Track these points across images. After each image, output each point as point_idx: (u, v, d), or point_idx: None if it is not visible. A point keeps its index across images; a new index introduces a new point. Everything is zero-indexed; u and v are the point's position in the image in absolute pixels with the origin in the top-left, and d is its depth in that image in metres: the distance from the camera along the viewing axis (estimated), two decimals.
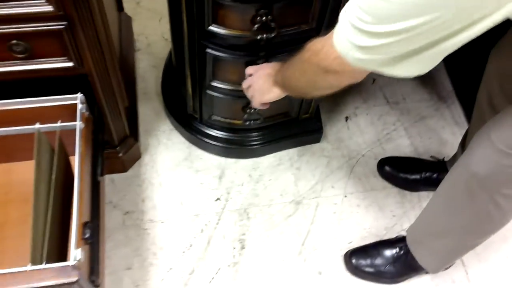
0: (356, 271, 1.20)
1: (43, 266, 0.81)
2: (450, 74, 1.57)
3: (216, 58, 1.06)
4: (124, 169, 1.33)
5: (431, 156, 1.37)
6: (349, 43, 0.64)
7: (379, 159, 1.39)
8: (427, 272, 1.19)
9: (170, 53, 1.46)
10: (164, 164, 1.36)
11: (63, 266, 0.81)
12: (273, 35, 0.97)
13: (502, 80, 0.98)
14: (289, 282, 1.20)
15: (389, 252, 1.19)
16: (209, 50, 1.05)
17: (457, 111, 1.51)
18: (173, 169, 1.36)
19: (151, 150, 1.38)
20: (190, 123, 1.35)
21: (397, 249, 1.18)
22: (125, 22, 1.49)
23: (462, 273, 1.23)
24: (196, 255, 1.23)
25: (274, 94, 0.97)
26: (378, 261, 1.19)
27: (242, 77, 1.05)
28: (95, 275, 0.93)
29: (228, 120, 1.28)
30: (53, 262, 0.82)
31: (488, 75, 1.04)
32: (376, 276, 1.19)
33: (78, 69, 0.97)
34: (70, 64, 0.95)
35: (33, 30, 0.87)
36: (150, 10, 1.68)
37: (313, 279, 1.21)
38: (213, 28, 0.99)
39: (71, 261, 0.81)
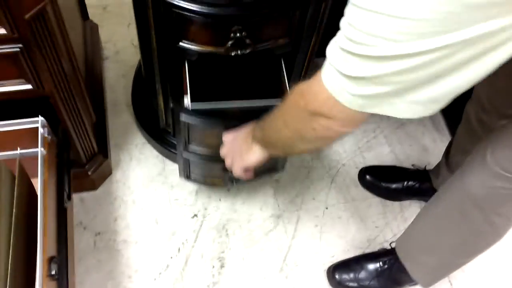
0: (339, 286, 1.17)
1: None
2: None
3: (190, 125, 0.97)
4: (94, 187, 1.26)
5: (413, 165, 1.35)
6: (341, 76, 0.52)
7: (360, 168, 1.35)
8: (411, 285, 1.16)
9: (140, 61, 1.39)
10: (137, 180, 1.30)
11: None
12: (248, 51, 0.91)
13: (491, 95, 0.95)
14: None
15: (372, 266, 1.16)
16: (182, 118, 0.95)
17: (437, 117, 1.48)
18: (147, 185, 1.29)
19: (123, 165, 1.32)
20: (163, 137, 1.29)
21: (381, 263, 1.15)
22: (91, 30, 1.41)
23: (447, 285, 1.22)
24: (173, 276, 1.18)
25: (255, 155, 0.83)
26: (362, 275, 1.16)
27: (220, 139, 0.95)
28: None
29: (208, 180, 1.17)
30: None
31: (476, 90, 1.00)
32: None
33: (38, 91, 0.90)
34: (29, 86, 0.88)
35: None
36: (118, 15, 1.59)
37: None
38: (184, 44, 0.93)
39: None
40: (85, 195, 1.26)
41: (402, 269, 1.12)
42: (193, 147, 1.03)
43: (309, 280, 1.20)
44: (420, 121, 1.47)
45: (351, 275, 1.17)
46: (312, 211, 1.29)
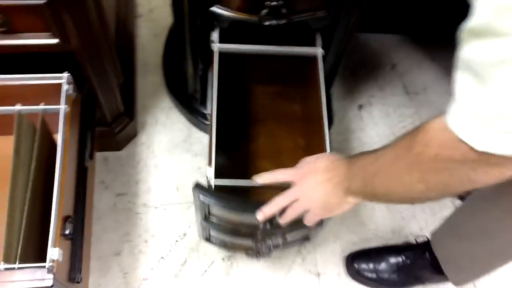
0: (356, 275, 1.13)
1: (15, 266, 0.75)
2: None
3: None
4: (118, 148, 1.26)
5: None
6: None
7: None
8: (432, 283, 1.12)
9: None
10: (161, 145, 1.28)
11: (37, 268, 0.75)
12: (283, 21, 0.86)
13: None
14: (286, 282, 1.14)
15: (394, 259, 1.11)
16: (200, 199, 0.81)
17: None
18: (171, 151, 1.27)
19: (148, 128, 1.30)
20: (190, 103, 1.26)
21: (403, 257, 1.10)
22: None
23: (470, 285, 1.16)
24: (189, 245, 1.16)
25: (349, 205, 0.72)
26: (382, 267, 1.12)
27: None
28: (76, 271, 0.87)
29: (230, 246, 1.05)
30: (28, 262, 0.76)
31: None
32: (377, 282, 1.12)
33: (64, 46, 0.87)
34: (55, 41, 0.86)
35: (12, 4, 0.77)
36: None
37: (311, 280, 1.15)
38: (217, 9, 0.88)
39: (46, 263, 0.75)
40: (109, 154, 1.25)
41: (426, 266, 1.07)
42: (213, 219, 0.92)
43: (326, 265, 1.16)
44: None
45: (371, 266, 1.13)
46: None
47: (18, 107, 0.88)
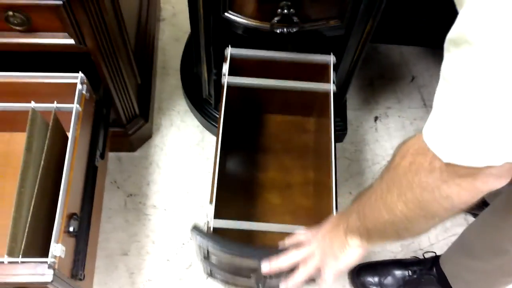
0: None
1: (18, 259, 0.76)
2: None
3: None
4: (132, 149, 1.27)
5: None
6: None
7: None
8: None
9: None
10: (174, 147, 1.29)
11: (38, 263, 0.76)
12: (295, 30, 0.86)
13: None
14: None
15: (400, 274, 1.09)
16: (197, 242, 0.80)
17: None
18: (184, 153, 1.28)
19: (163, 130, 1.31)
20: (204, 107, 1.27)
21: (410, 272, 1.08)
22: None
23: None
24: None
25: (353, 251, 0.67)
26: (387, 281, 1.10)
27: None
28: (79, 268, 0.88)
29: (233, 284, 1.04)
30: (33, 256, 0.78)
31: None
32: None
33: (80, 47, 0.89)
34: (71, 41, 0.88)
35: (30, 3, 0.80)
36: None
37: None
38: (229, 15, 0.88)
39: (48, 258, 0.77)
40: (123, 155, 1.27)
41: (432, 282, 1.04)
42: (213, 259, 0.89)
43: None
44: None
45: (376, 279, 1.11)
46: (346, 206, 1.23)
47: (32, 104, 0.90)
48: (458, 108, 0.43)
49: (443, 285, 1.03)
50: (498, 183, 0.48)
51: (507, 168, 0.45)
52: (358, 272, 1.12)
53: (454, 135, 0.44)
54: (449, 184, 0.49)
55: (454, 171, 0.47)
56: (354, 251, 0.67)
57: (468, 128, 0.43)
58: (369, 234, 0.64)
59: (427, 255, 1.09)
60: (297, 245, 0.75)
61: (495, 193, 1.03)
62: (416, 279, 1.07)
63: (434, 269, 1.05)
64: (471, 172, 0.46)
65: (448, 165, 0.47)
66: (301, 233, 0.77)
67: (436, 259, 1.07)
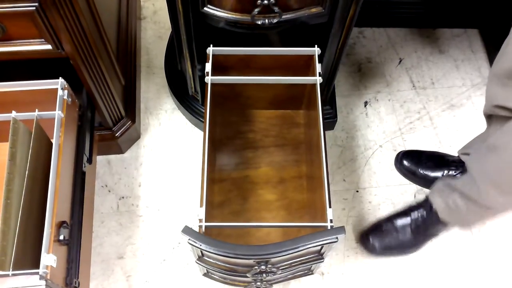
0: (374, 250, 1.14)
1: (9, 272, 0.75)
2: (491, 57, 1.39)
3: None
4: (121, 151, 1.26)
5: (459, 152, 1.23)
6: None
7: (398, 151, 1.26)
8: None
9: None
10: (164, 147, 1.28)
11: (30, 275, 0.75)
12: (275, 20, 0.84)
13: None
14: (293, 282, 1.13)
15: (404, 222, 1.13)
16: (190, 242, 0.79)
17: None
18: (174, 152, 1.27)
19: (151, 130, 1.30)
20: (191, 104, 1.25)
21: (412, 218, 1.12)
22: None
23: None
24: (191, 247, 1.16)
25: None
26: (398, 235, 1.13)
27: None
28: (73, 276, 0.87)
29: (229, 282, 1.02)
30: (25, 268, 0.76)
31: None
32: (395, 249, 1.14)
33: (58, 52, 0.87)
34: (48, 47, 0.86)
35: (3, 11, 0.78)
36: None
37: (315, 280, 1.13)
38: (209, 9, 0.86)
39: (40, 269, 0.75)
40: (112, 157, 1.26)
41: (437, 220, 1.08)
42: (207, 259, 0.88)
43: (330, 264, 1.14)
44: (472, 104, 1.34)
45: (386, 239, 1.14)
46: (340, 193, 1.23)
47: (13, 114, 0.88)
48: None
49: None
50: None
51: None
52: (367, 236, 1.14)
53: None
54: None
55: None
56: None
57: None
58: None
59: (421, 198, 1.14)
60: None
61: None
62: (422, 223, 1.10)
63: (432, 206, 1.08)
64: None
65: None
66: None
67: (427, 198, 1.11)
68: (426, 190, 1.19)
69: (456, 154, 1.22)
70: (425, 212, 1.10)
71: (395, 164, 1.25)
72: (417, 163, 1.22)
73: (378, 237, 1.13)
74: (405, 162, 1.23)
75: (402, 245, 1.13)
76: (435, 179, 1.20)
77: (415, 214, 1.11)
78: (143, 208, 1.20)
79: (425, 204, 1.11)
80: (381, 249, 1.13)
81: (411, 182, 1.24)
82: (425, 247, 1.15)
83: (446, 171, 1.19)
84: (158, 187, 1.22)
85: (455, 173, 1.18)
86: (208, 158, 0.87)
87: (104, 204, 1.20)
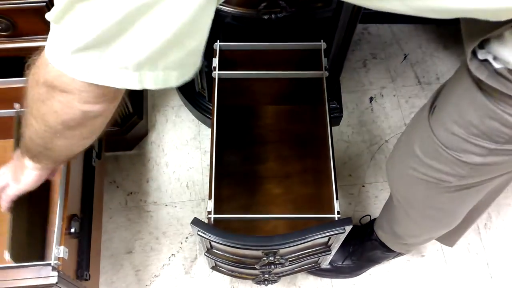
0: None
1: (21, 264, 0.76)
2: None
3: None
4: (129, 147, 1.27)
5: None
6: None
7: None
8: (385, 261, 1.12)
9: None
10: (171, 143, 1.29)
11: (42, 266, 0.76)
12: (282, 14, 0.85)
13: None
14: (299, 282, 1.13)
15: (344, 246, 1.07)
16: (199, 233, 0.80)
17: None
18: (181, 148, 1.28)
19: (159, 127, 1.31)
20: (198, 101, 1.26)
21: (352, 241, 1.10)
22: None
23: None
24: (199, 242, 1.17)
25: (30, 172, 0.69)
26: (335, 257, 1.10)
27: None
28: (84, 269, 0.88)
29: (237, 274, 1.03)
30: (35, 259, 0.78)
31: None
32: (333, 272, 1.13)
33: None
34: None
35: (13, 7, 0.79)
36: None
37: (324, 282, 1.14)
38: None
39: (52, 260, 0.77)
40: (120, 154, 1.27)
41: (376, 246, 1.06)
42: (216, 252, 0.89)
43: None
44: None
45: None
46: (346, 188, 1.23)
47: (17, 109, 0.90)
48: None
49: (385, 247, 1.04)
50: (92, 107, 0.50)
51: (96, 93, 0.48)
52: None
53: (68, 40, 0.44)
54: (55, 99, 0.50)
55: (54, 86, 0.49)
56: (31, 173, 0.69)
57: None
58: (30, 153, 0.65)
59: (364, 221, 1.12)
60: None
61: None
62: (360, 247, 1.09)
63: (374, 233, 1.06)
64: (67, 88, 0.48)
65: (48, 80, 0.49)
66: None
67: (373, 222, 1.08)
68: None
69: None
70: (365, 237, 1.08)
71: None
72: None
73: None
74: None
75: (338, 269, 1.12)
76: None
77: (354, 238, 1.09)
78: (151, 204, 1.21)
79: (365, 228, 1.10)
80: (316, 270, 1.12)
81: None
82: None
83: None
84: (165, 183, 1.24)
85: None
86: (216, 153, 0.88)
87: (112, 200, 1.21)
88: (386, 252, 1.05)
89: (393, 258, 1.11)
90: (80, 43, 0.43)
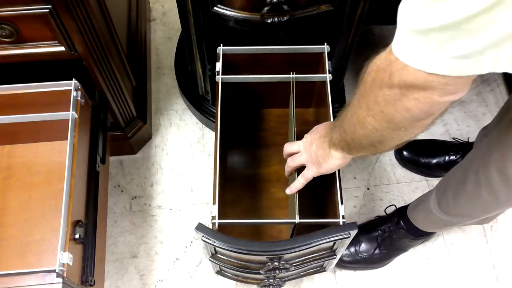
0: (340, 263, 1.12)
1: (25, 270, 0.77)
2: None
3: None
4: (133, 151, 1.27)
5: (454, 138, 1.24)
6: (424, 33, 0.47)
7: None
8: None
9: None
10: (175, 147, 1.29)
11: (47, 273, 0.76)
12: (285, 18, 0.85)
13: None
14: (303, 279, 1.13)
15: (372, 236, 1.12)
16: (203, 239, 0.80)
17: (503, 96, 1.34)
18: (185, 152, 1.28)
19: (162, 130, 1.31)
20: (202, 104, 1.26)
21: (380, 232, 1.11)
22: None
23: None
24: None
25: (334, 161, 0.75)
26: (362, 248, 1.12)
27: None
28: (88, 274, 0.88)
29: (242, 279, 1.02)
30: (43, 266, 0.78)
31: None
32: (362, 263, 1.13)
33: (71, 54, 0.89)
34: (61, 48, 0.87)
35: (17, 13, 0.79)
36: None
37: (328, 277, 1.13)
38: (219, 9, 0.87)
39: (56, 267, 0.77)
40: (125, 158, 1.27)
41: (403, 235, 1.08)
42: (221, 257, 0.88)
43: None
44: (482, 99, 1.34)
45: (351, 250, 1.12)
46: (351, 191, 1.23)
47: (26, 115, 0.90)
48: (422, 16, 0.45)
49: (413, 234, 1.06)
50: (453, 97, 0.51)
51: (462, 82, 0.49)
52: None
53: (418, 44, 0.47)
54: (408, 97, 0.51)
55: (411, 85, 0.50)
56: (335, 161, 0.76)
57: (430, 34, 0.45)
58: (349, 147, 0.70)
59: (389, 211, 1.13)
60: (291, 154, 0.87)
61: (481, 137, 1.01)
62: (388, 237, 1.09)
63: (401, 222, 1.07)
64: (429, 86, 0.49)
65: (407, 81, 0.50)
66: (289, 144, 0.88)
67: (399, 211, 1.09)
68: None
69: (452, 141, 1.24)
70: (391, 226, 1.09)
71: (395, 156, 1.25)
72: (417, 152, 1.22)
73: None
74: (405, 153, 1.23)
75: (366, 260, 1.12)
76: (437, 166, 1.20)
77: (381, 228, 1.10)
78: (156, 208, 1.21)
79: (391, 217, 1.10)
80: (344, 263, 1.13)
81: (414, 172, 1.24)
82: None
83: (447, 157, 1.20)
84: (170, 186, 1.24)
85: (456, 158, 1.18)
86: (220, 157, 0.88)
87: (117, 204, 1.21)
88: (413, 239, 1.08)
89: (419, 245, 1.13)
90: (462, 52, 0.44)
